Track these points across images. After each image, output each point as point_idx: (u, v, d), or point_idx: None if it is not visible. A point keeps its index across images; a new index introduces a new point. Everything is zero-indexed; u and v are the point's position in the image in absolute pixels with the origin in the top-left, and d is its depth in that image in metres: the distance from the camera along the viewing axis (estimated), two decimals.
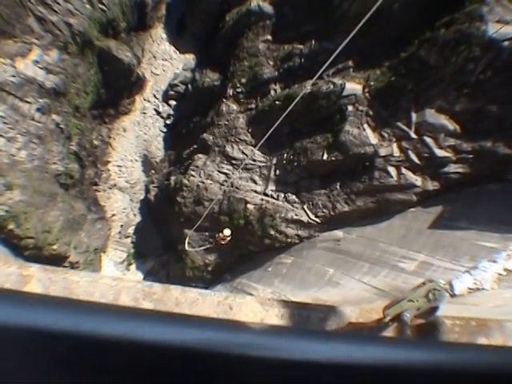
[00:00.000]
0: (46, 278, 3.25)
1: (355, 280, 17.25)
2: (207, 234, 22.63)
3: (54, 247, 22.62)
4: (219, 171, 23.31)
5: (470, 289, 12.83)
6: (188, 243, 19.42)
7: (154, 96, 31.13)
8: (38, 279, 3.22)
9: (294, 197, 20.28)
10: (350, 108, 18.11)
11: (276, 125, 8.74)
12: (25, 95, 21.62)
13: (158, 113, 31.03)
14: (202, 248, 19.44)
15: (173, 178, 25.94)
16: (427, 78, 15.92)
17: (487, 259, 13.40)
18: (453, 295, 12.71)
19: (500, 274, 12.83)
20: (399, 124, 16.71)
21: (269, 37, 22.90)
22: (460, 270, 13.88)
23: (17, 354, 1.66)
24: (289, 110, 7.99)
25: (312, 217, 19.58)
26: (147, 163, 30.33)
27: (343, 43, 6.28)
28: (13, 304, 1.69)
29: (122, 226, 29.26)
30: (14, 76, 20.95)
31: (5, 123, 20.51)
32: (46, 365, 1.68)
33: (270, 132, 8.97)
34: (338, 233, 19.08)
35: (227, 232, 16.43)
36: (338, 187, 18.75)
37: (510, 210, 13.83)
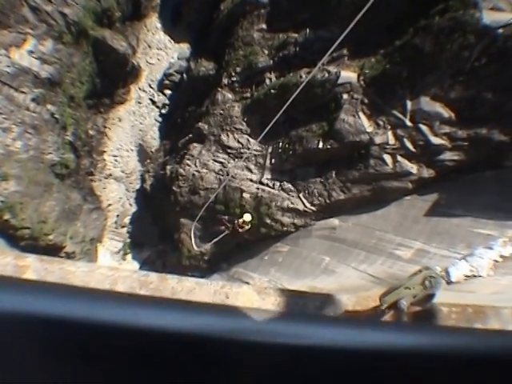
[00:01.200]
0: (42, 269, 3.25)
1: (351, 268, 17.30)
2: (225, 217, 22.40)
3: (50, 237, 22.64)
4: (215, 160, 23.30)
5: (466, 276, 12.89)
6: (195, 243, 19.11)
7: (149, 85, 31.10)
8: (34, 269, 3.22)
9: (289, 185, 20.30)
10: (345, 96, 18.09)
11: (276, 119, 8.73)
12: (20, 85, 21.62)
13: (154, 102, 31.01)
14: (214, 241, 18.26)
15: (168, 167, 25.94)
16: (422, 66, 15.91)
17: (483, 246, 13.46)
18: (449, 282, 12.77)
19: (496, 261, 12.89)
20: (394, 112, 16.71)
21: (264, 26, 22.83)
22: (456, 257, 13.95)
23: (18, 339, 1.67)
24: (289, 102, 7.98)
25: (308, 205, 19.60)
26: (143, 153, 30.33)
27: (345, 31, 6.25)
28: (9, 291, 1.70)
29: (117, 215, 29.31)
30: (8, 66, 20.93)
31: (0, 113, 20.49)
32: (49, 350, 1.69)
33: (270, 125, 8.97)
34: (334, 221, 19.11)
35: (248, 217, 15.48)
36: (333, 175, 18.76)
37: (505, 197, 13.88)
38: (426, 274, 3.43)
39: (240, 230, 15.76)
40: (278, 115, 8.54)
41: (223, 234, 17.17)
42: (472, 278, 12.85)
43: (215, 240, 17.59)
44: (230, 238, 19.24)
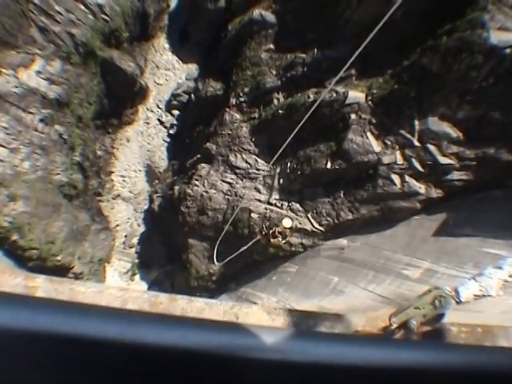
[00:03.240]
0: (52, 289, 3.26)
1: (360, 288, 17.21)
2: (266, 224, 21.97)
3: (58, 258, 22.65)
4: (223, 180, 23.32)
5: (475, 295, 12.80)
6: (217, 260, 18.60)
7: (157, 106, 31.24)
8: (43, 290, 3.24)
9: (297, 205, 20.26)
10: (353, 116, 18.09)
11: (287, 142, 8.74)
12: (28, 106, 21.73)
13: (161, 123, 31.13)
14: (241, 250, 17.10)
15: (176, 187, 25.98)
16: (430, 86, 15.91)
17: (492, 266, 13.38)
18: (459, 302, 12.69)
19: (505, 281, 12.81)
20: (402, 132, 16.69)
21: (271, 46, 22.95)
22: (464, 276, 13.86)
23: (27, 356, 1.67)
24: (300, 125, 7.99)
25: (316, 225, 19.55)
26: (151, 173, 30.40)
27: (355, 54, 6.29)
28: (17, 307, 1.71)
29: (126, 236, 29.31)
30: (16, 87, 21.07)
31: (8, 134, 20.60)
32: (53, 367, 1.69)
33: (282, 148, 8.97)
34: (343, 241, 19.04)
35: (287, 222, 14.29)
36: (341, 195, 18.72)
37: None
38: (435, 294, 3.43)
39: (273, 239, 14.70)
40: (290, 138, 8.55)
41: (252, 242, 16.29)
42: (481, 297, 12.77)
43: (243, 249, 16.68)
44: (256, 247, 18.79)
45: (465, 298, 12.78)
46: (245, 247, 16.16)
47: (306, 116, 7.74)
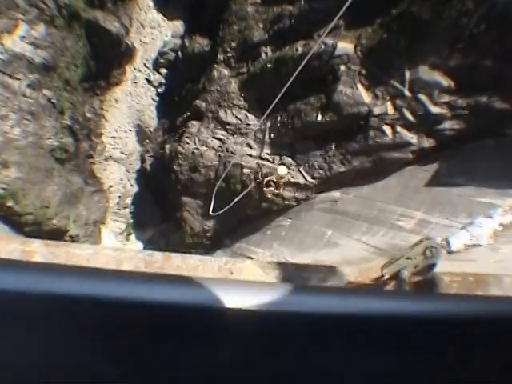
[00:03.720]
0: (49, 253, 3.29)
1: (354, 240, 17.33)
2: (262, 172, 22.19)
3: (54, 222, 22.74)
4: (214, 137, 23.24)
5: (466, 245, 12.94)
6: (213, 210, 18.61)
7: (145, 65, 30.94)
8: (40, 254, 3.27)
9: (289, 159, 20.22)
10: (343, 68, 17.95)
11: (278, 97, 8.73)
12: (14, 72, 21.47)
13: (150, 82, 30.88)
14: (235, 201, 16.92)
15: (168, 146, 25.90)
16: (420, 35, 15.73)
17: (484, 215, 13.48)
18: (450, 252, 12.83)
19: (496, 230, 12.93)
20: (393, 82, 16.59)
21: None
22: (457, 226, 13.96)
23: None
24: (291, 81, 7.97)
25: (308, 178, 19.57)
26: (141, 133, 30.30)
27: (346, 4, 6.26)
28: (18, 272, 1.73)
29: (119, 197, 29.37)
30: (2, 53, 20.77)
31: None
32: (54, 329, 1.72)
33: (273, 104, 8.97)
34: (335, 193, 19.10)
35: (282, 170, 13.96)
36: (333, 148, 18.69)
37: (506, 166, 13.84)
38: (426, 244, 3.47)
39: (266, 188, 14.54)
40: (281, 93, 8.55)
41: (246, 191, 16.22)
42: (472, 247, 12.92)
43: (237, 198, 16.74)
44: (249, 202, 18.84)
45: (455, 247, 12.92)
46: (239, 197, 16.23)
47: (298, 70, 7.73)
